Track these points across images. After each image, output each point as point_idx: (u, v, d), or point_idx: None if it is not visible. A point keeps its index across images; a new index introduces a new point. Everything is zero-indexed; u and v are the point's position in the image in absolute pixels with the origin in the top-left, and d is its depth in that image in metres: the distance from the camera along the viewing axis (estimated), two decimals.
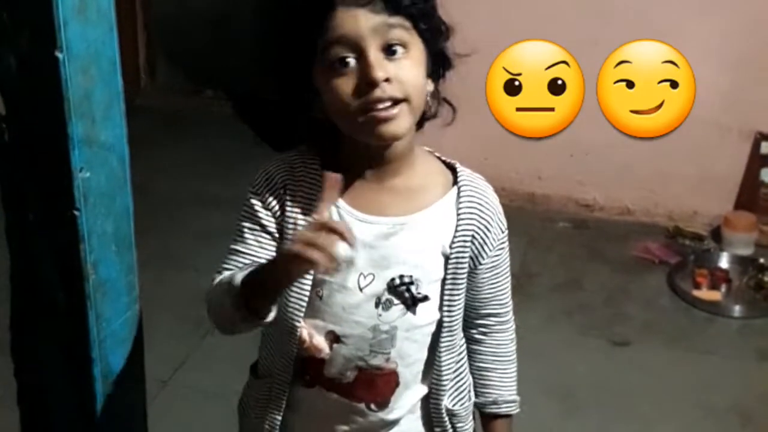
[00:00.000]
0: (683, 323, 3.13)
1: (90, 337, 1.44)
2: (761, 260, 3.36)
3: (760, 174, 3.57)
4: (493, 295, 1.49)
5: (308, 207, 1.37)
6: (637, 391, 2.78)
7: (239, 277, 1.29)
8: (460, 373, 1.51)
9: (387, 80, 1.26)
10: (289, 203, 1.38)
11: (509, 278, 1.50)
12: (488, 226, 1.42)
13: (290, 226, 1.38)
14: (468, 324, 1.51)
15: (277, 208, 1.39)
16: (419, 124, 1.40)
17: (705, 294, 3.25)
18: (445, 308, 1.43)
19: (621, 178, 3.73)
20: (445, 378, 1.47)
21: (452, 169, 1.45)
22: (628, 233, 3.66)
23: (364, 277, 1.39)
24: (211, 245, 2.55)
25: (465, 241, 1.40)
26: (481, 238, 1.41)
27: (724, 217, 3.54)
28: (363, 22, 1.25)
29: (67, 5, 1.27)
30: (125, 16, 4.77)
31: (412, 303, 1.40)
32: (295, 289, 1.40)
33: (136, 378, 1.58)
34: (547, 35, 3.60)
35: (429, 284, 1.40)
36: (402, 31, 1.28)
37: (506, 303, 1.53)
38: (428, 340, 1.44)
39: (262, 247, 1.40)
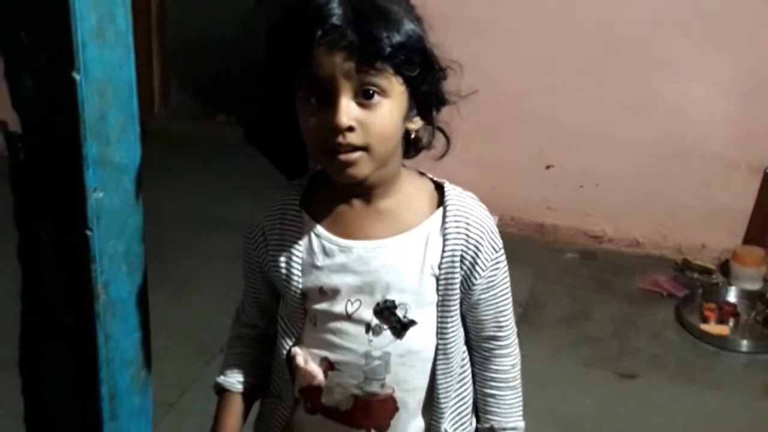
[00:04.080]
0: (690, 357, 3.12)
1: (98, 357, 1.44)
2: None
3: None
4: (491, 317, 1.47)
5: (281, 245, 1.42)
6: (644, 424, 2.77)
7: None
8: (463, 398, 1.50)
9: (350, 128, 1.27)
10: (270, 249, 1.44)
11: (508, 300, 1.48)
12: (478, 246, 1.40)
13: (272, 267, 1.44)
14: (470, 347, 1.50)
15: (260, 256, 1.46)
16: (407, 154, 1.42)
17: (713, 328, 3.24)
18: (440, 333, 1.42)
19: (630, 210, 3.73)
20: (443, 403, 1.46)
21: (441, 190, 1.45)
22: (636, 266, 3.66)
23: (351, 303, 1.40)
24: (220, 268, 2.55)
25: (453, 261, 1.39)
26: (472, 258, 1.40)
27: (733, 251, 3.53)
28: (339, 66, 1.25)
29: (85, 27, 1.28)
30: (140, 40, 4.80)
31: (401, 328, 1.40)
32: (289, 316, 1.44)
33: (144, 400, 1.58)
34: (557, 66, 3.62)
35: (421, 308, 1.40)
36: (380, 78, 1.28)
37: (506, 326, 1.49)
38: (429, 365, 1.44)
39: (264, 284, 1.50)
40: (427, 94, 1.36)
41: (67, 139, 1.32)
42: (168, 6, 5.05)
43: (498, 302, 1.46)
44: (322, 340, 1.43)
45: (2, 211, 1.56)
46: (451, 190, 1.44)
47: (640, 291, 3.49)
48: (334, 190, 1.38)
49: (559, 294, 3.47)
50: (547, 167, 3.78)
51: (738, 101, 3.48)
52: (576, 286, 3.53)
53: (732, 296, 3.43)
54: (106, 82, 1.34)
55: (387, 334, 1.40)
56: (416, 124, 1.38)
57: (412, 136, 1.39)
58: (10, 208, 1.43)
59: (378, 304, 1.39)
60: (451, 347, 1.44)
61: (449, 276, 1.39)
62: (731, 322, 3.29)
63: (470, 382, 1.52)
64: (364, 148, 1.29)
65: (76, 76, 1.28)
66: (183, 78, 5.19)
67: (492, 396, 1.52)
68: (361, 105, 1.28)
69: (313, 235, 1.41)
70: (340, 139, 1.27)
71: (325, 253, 1.40)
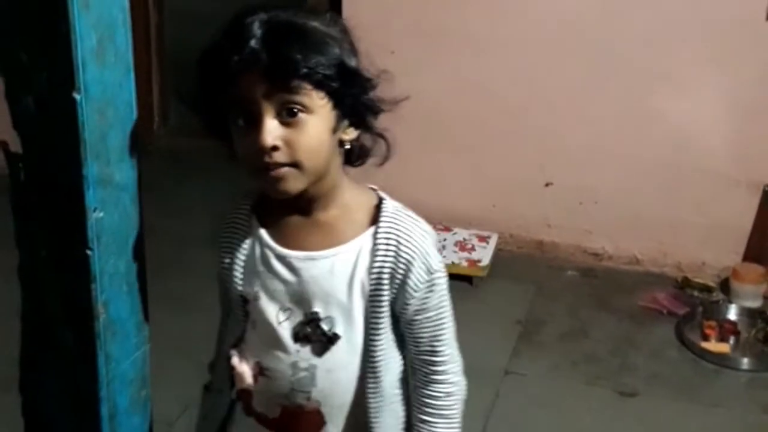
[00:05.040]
0: (691, 375, 3.12)
1: (98, 377, 1.44)
2: None
3: None
4: (425, 340, 1.46)
5: (230, 248, 1.47)
6: None
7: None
8: (397, 420, 1.50)
9: (275, 147, 1.30)
10: (221, 250, 1.50)
11: (445, 324, 1.47)
12: (409, 265, 1.38)
13: (221, 267, 1.50)
14: (412, 368, 1.49)
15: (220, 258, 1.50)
16: (350, 162, 1.44)
17: (713, 346, 3.24)
18: (368, 350, 1.42)
19: (630, 227, 3.73)
20: (373, 423, 1.46)
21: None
22: (636, 283, 3.65)
23: (283, 311, 1.43)
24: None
25: (381, 280, 1.39)
26: (402, 277, 1.39)
27: (733, 269, 3.53)
28: (260, 90, 1.29)
29: (85, 48, 1.29)
30: (139, 59, 4.80)
31: (326, 341, 1.41)
32: (234, 316, 1.49)
33: (143, 419, 1.58)
34: (556, 82, 3.63)
35: (349, 324, 1.41)
36: (302, 97, 1.30)
37: (440, 351, 1.47)
38: (355, 383, 1.44)
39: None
40: (354, 105, 1.37)
41: (68, 159, 1.33)
42: (167, 25, 5.06)
43: (434, 326, 1.45)
44: (258, 345, 1.46)
45: (2, 230, 1.57)
46: (389, 206, 1.42)
47: (640, 309, 3.49)
48: (278, 200, 1.41)
49: (558, 312, 3.46)
50: (546, 185, 3.78)
51: (737, 118, 3.49)
52: (576, 303, 3.53)
53: (732, 314, 3.42)
54: (106, 102, 1.35)
55: (314, 346, 1.42)
56: (350, 134, 1.39)
57: (348, 146, 1.40)
58: (10, 227, 1.43)
59: (306, 315, 1.42)
60: (380, 366, 1.44)
61: (377, 294, 1.40)
62: (732, 340, 3.28)
63: (403, 402, 1.50)
64: (293, 165, 1.32)
65: (77, 96, 1.29)
66: (182, 96, 5.19)
67: (423, 422, 1.48)
68: (285, 123, 1.30)
69: (257, 241, 1.45)
70: (267, 158, 1.30)
71: (264, 259, 1.44)
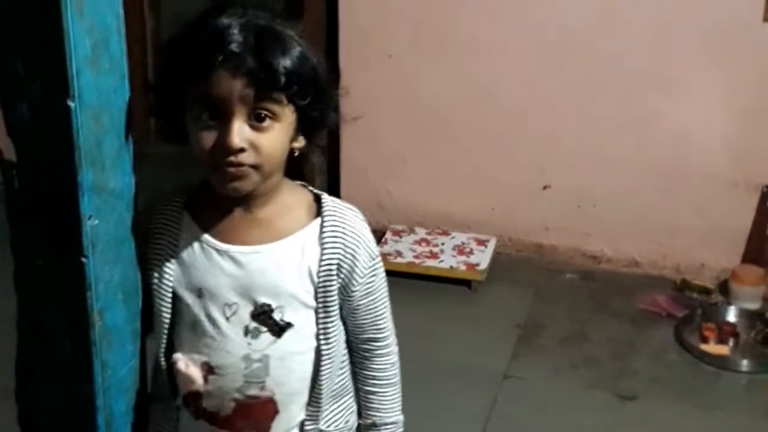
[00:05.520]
0: (690, 378, 3.11)
1: (95, 385, 1.44)
2: None
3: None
4: (370, 321, 1.54)
5: (160, 245, 1.48)
6: None
7: None
8: (341, 397, 1.57)
9: (242, 149, 1.34)
10: (150, 249, 1.49)
11: (386, 304, 1.55)
12: (355, 254, 1.47)
13: (148, 267, 1.48)
14: (351, 348, 1.57)
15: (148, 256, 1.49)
16: (289, 166, 1.48)
17: (712, 348, 3.23)
18: (321, 337, 1.48)
19: (628, 230, 3.73)
20: (324, 404, 1.52)
21: (320, 201, 1.50)
22: (635, 286, 3.65)
23: (229, 306, 1.45)
24: None
25: (330, 269, 1.45)
26: (349, 266, 1.47)
27: (732, 271, 3.53)
28: (236, 90, 1.32)
29: (80, 55, 1.28)
30: (135, 64, 4.81)
31: (279, 330, 1.45)
32: (162, 322, 1.48)
33: (140, 427, 1.57)
34: (555, 85, 3.63)
35: (298, 312, 1.45)
36: (273, 104, 1.36)
37: (384, 328, 1.56)
38: (309, 367, 1.49)
39: None
40: (315, 119, 1.43)
41: (63, 166, 1.32)
42: (162, 31, 5.06)
43: (377, 307, 1.53)
44: (202, 344, 1.47)
45: None
46: (329, 202, 1.49)
47: (640, 311, 3.48)
48: (217, 196, 1.43)
49: (558, 315, 3.46)
50: (545, 188, 3.78)
51: (736, 120, 3.49)
52: (575, 306, 3.52)
53: (731, 316, 3.41)
54: (101, 109, 1.34)
55: (265, 336, 1.45)
56: (300, 143, 1.45)
57: (296, 153, 1.45)
58: (5, 236, 1.43)
59: (255, 308, 1.44)
60: (333, 350, 1.50)
61: (327, 283, 1.46)
62: (731, 342, 3.27)
63: (349, 381, 1.59)
64: (253, 166, 1.36)
65: (71, 104, 1.29)
66: None
67: (373, 393, 1.59)
68: (252, 127, 1.35)
69: (193, 237, 1.47)
70: (232, 158, 1.34)
71: (205, 255, 1.46)
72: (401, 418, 1.62)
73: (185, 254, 1.47)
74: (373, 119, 3.84)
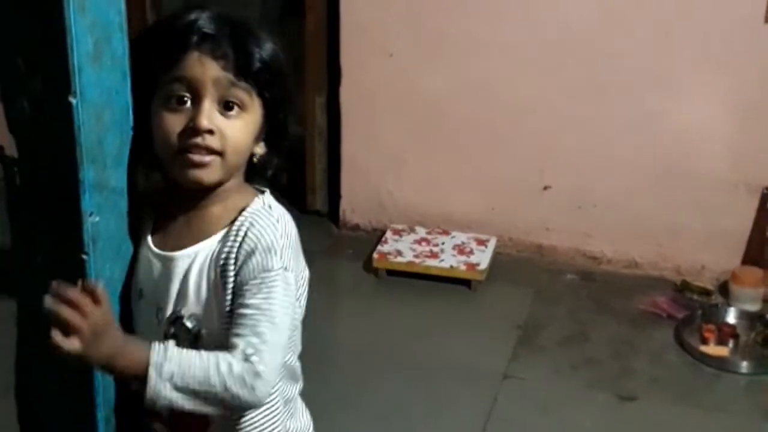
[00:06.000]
0: (690, 379, 3.11)
1: (95, 382, 1.44)
2: None
3: None
4: (238, 339, 1.32)
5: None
6: None
7: None
8: (268, 412, 1.48)
9: (210, 131, 1.35)
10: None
11: (263, 335, 1.32)
12: (248, 256, 1.35)
13: None
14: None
15: None
16: (248, 178, 1.46)
17: (712, 349, 3.23)
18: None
19: (629, 231, 3.73)
20: (247, 417, 1.46)
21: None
22: (635, 287, 3.65)
23: (160, 309, 1.43)
24: None
25: (226, 268, 1.37)
26: (238, 265, 1.36)
27: (732, 272, 3.52)
28: (210, 72, 1.34)
29: (82, 52, 1.28)
30: None
31: (193, 338, 1.40)
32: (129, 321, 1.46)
33: (138, 424, 1.57)
34: (555, 86, 3.63)
35: (212, 320, 1.39)
36: (243, 93, 1.37)
37: (249, 356, 1.31)
38: None
39: None
40: (279, 122, 1.44)
41: (64, 163, 1.32)
42: None
43: (250, 325, 1.33)
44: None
45: None
46: (255, 205, 1.41)
47: (640, 312, 3.48)
48: (167, 199, 1.44)
49: (558, 315, 3.46)
50: (545, 188, 3.78)
51: (736, 121, 3.48)
52: (575, 307, 3.52)
53: (731, 317, 3.41)
54: (102, 106, 1.34)
55: (183, 345, 1.38)
56: (260, 149, 1.44)
57: (255, 159, 1.44)
58: (6, 232, 1.43)
59: (173, 314, 1.42)
60: None
61: (224, 283, 1.37)
62: (731, 344, 3.27)
63: (286, 387, 1.52)
64: (219, 153, 1.36)
65: (73, 100, 1.29)
66: None
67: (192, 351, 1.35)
68: (220, 113, 1.36)
69: (145, 237, 1.46)
70: (199, 140, 1.34)
71: (144, 257, 1.45)
72: (160, 383, 1.29)
73: (138, 255, 1.46)
74: (374, 118, 3.84)
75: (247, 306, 1.35)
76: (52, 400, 1.50)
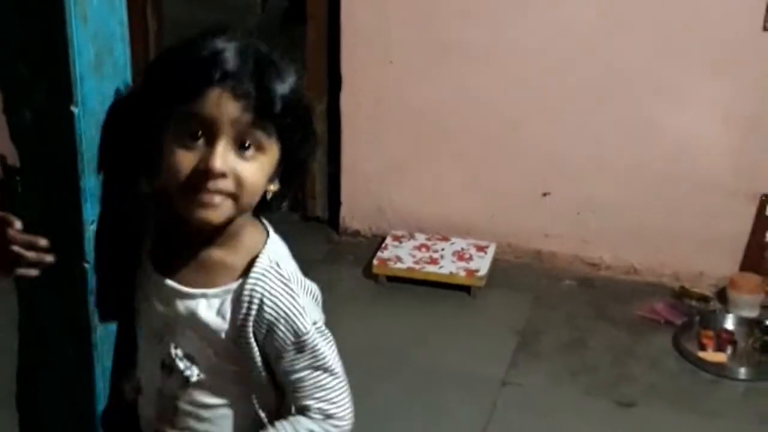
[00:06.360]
0: (688, 385, 3.11)
1: (96, 389, 1.44)
2: (767, 322, 3.34)
3: (766, 236, 3.57)
4: (302, 399, 1.39)
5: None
6: None
7: None
8: None
9: (224, 175, 1.27)
10: None
11: (325, 386, 1.39)
12: (272, 328, 1.35)
13: None
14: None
15: None
16: (256, 214, 1.41)
17: (710, 356, 3.23)
18: (255, 404, 1.42)
19: (627, 237, 3.73)
20: None
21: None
22: (634, 293, 3.65)
23: (156, 335, 1.41)
24: None
25: (245, 335, 1.36)
26: (265, 337, 1.36)
27: (730, 279, 3.53)
28: (228, 112, 1.25)
29: (84, 61, 1.29)
30: (138, 69, 4.81)
31: (186, 378, 1.39)
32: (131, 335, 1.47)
33: None
34: (555, 93, 3.64)
35: (211, 367, 1.39)
36: (262, 134, 1.29)
37: (319, 409, 1.39)
38: (227, 423, 1.42)
39: None
40: (298, 162, 1.37)
41: (65, 172, 1.33)
42: (165, 38, 5.07)
43: (309, 386, 1.39)
44: (141, 360, 1.47)
45: None
46: (263, 261, 1.37)
47: (638, 318, 3.48)
48: (175, 230, 1.38)
49: (557, 322, 3.46)
50: (544, 194, 3.78)
51: (735, 129, 3.49)
52: (574, 313, 3.52)
53: (729, 323, 3.41)
54: (104, 116, 1.35)
55: (177, 378, 1.40)
56: (274, 186, 1.37)
57: (268, 196, 1.37)
58: None
59: (172, 347, 1.40)
60: (256, 409, 1.43)
61: (244, 347, 1.37)
62: (729, 350, 3.27)
63: None
64: (230, 196, 1.29)
65: (75, 110, 1.30)
66: None
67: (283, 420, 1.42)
68: (234, 154, 1.28)
69: (147, 257, 1.42)
70: (211, 184, 1.27)
71: (147, 278, 1.42)
72: None
73: (140, 273, 1.44)
74: (375, 125, 3.85)
75: (299, 371, 1.37)
76: (54, 407, 1.50)
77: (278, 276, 1.36)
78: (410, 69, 3.76)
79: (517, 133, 3.74)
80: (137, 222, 1.45)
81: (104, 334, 1.44)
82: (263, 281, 1.35)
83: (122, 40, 1.37)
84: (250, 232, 1.40)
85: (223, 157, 1.26)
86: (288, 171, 1.37)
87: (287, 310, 1.35)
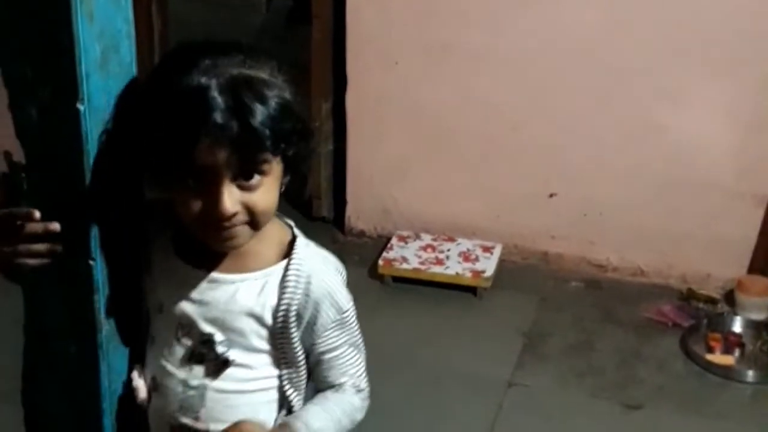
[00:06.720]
0: (696, 388, 3.10)
1: (101, 388, 1.44)
2: None
3: None
4: (333, 377, 1.47)
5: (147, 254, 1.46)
6: None
7: None
8: None
9: (234, 214, 1.29)
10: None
11: (356, 362, 1.48)
12: (318, 306, 1.40)
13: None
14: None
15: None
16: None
17: (718, 358, 3.22)
18: (284, 385, 1.44)
19: (634, 239, 3.72)
20: None
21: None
22: (641, 295, 3.64)
23: (182, 326, 1.42)
24: None
25: (288, 316, 1.39)
26: (310, 317, 1.41)
27: (738, 281, 3.52)
28: (222, 157, 1.26)
29: (89, 58, 1.29)
30: (143, 68, 4.82)
31: (220, 364, 1.41)
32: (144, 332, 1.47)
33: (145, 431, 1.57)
34: (560, 94, 3.63)
35: (247, 352, 1.41)
36: (261, 163, 1.30)
37: (350, 384, 1.48)
38: (260, 408, 1.43)
39: None
40: (303, 157, 1.39)
41: (71, 170, 1.33)
42: (171, 36, 5.07)
43: (343, 363, 1.47)
44: (155, 359, 1.46)
45: None
46: (302, 245, 1.43)
47: (645, 321, 3.47)
48: None
49: (563, 323, 3.45)
50: (550, 195, 3.78)
51: (741, 130, 3.48)
52: (580, 315, 3.51)
53: (737, 326, 3.40)
54: (109, 113, 1.34)
55: (207, 366, 1.41)
56: (286, 180, 1.39)
57: (282, 189, 1.39)
58: None
59: (202, 335, 1.41)
60: (288, 396, 1.45)
61: (284, 329, 1.40)
62: (737, 353, 3.26)
63: None
64: (247, 223, 1.33)
65: (80, 107, 1.29)
66: None
67: (317, 404, 1.46)
68: (241, 187, 1.30)
69: (168, 252, 1.44)
70: (225, 224, 1.30)
71: (171, 272, 1.43)
72: None
73: (158, 267, 1.45)
74: (380, 125, 3.85)
75: (337, 347, 1.44)
76: (59, 405, 1.50)
77: (319, 255, 1.45)
78: (416, 70, 3.76)
79: (524, 134, 3.73)
80: (144, 221, 1.46)
81: (110, 334, 1.44)
82: (308, 261, 1.41)
83: (128, 37, 1.37)
84: (275, 222, 1.44)
85: (230, 198, 1.29)
86: (295, 166, 1.39)
87: (332, 288, 1.42)
